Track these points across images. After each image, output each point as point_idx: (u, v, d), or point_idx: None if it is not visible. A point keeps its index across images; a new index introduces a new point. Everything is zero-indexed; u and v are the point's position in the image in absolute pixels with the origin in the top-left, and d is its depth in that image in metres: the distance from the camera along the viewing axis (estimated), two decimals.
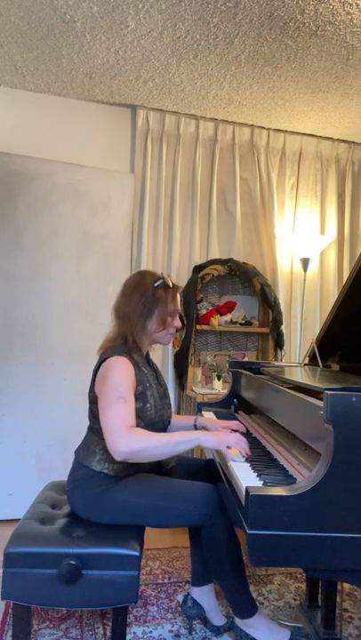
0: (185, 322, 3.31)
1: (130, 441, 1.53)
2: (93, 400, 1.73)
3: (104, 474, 1.69)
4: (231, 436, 1.63)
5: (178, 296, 1.84)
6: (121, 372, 1.64)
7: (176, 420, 2.02)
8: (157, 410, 1.76)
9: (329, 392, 1.19)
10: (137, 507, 1.66)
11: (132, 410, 1.62)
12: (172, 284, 1.82)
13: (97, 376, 1.72)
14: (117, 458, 1.55)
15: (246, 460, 1.56)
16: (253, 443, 1.80)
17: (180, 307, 1.88)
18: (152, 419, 1.71)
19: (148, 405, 1.71)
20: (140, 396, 1.70)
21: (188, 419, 2.04)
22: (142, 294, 1.75)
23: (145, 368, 1.79)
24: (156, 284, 1.77)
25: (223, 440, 1.61)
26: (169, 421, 1.89)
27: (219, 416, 2.25)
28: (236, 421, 1.96)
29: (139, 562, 1.58)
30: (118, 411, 1.58)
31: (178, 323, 1.84)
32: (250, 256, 3.64)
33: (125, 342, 1.74)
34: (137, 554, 1.58)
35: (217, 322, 3.38)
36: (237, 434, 1.65)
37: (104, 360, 1.70)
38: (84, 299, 3.14)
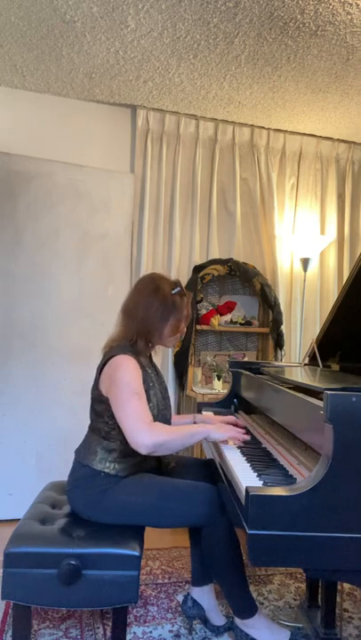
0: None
1: (153, 435, 1.58)
2: (97, 398, 1.74)
3: (105, 473, 1.70)
4: (231, 430, 1.74)
5: (189, 303, 1.89)
6: (129, 369, 1.67)
7: (175, 419, 2.04)
8: (160, 410, 1.78)
9: (329, 392, 1.19)
10: (137, 507, 1.66)
11: (146, 404, 1.66)
12: (186, 292, 1.86)
13: (102, 374, 1.73)
14: (142, 451, 1.59)
15: (246, 460, 1.57)
16: (253, 443, 1.81)
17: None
18: (155, 418, 1.72)
19: (152, 405, 1.73)
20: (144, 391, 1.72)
21: (188, 417, 2.09)
22: (162, 300, 1.77)
23: (149, 369, 1.82)
24: (173, 292, 1.79)
25: (226, 434, 1.72)
26: (169, 422, 1.90)
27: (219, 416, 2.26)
28: (232, 416, 2.07)
29: (139, 562, 1.58)
30: (135, 407, 1.61)
31: (185, 328, 1.89)
32: (250, 256, 3.64)
33: (134, 343, 1.76)
34: (137, 554, 1.58)
35: (217, 322, 3.38)
36: (236, 428, 1.78)
37: (110, 358, 1.71)
38: (84, 299, 3.14)
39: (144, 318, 1.76)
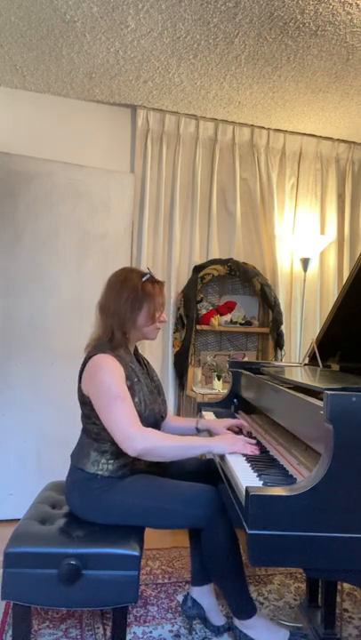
0: (184, 322, 3.31)
1: (144, 438, 1.58)
2: (82, 400, 1.74)
3: (100, 475, 1.70)
4: (239, 441, 1.67)
5: (164, 291, 1.86)
6: (109, 369, 1.65)
7: (177, 422, 2.03)
8: (147, 404, 1.75)
9: (329, 392, 1.19)
10: (136, 508, 1.66)
11: (133, 405, 1.65)
12: (158, 280, 1.84)
13: (83, 376, 1.73)
14: (132, 454, 1.59)
15: (246, 460, 1.57)
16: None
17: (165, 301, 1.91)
18: (141, 413, 1.70)
19: (137, 400, 1.71)
20: (128, 391, 1.70)
21: (190, 421, 2.05)
22: (132, 290, 1.76)
23: (132, 364, 1.79)
24: (143, 279, 1.78)
25: (233, 448, 1.64)
26: (162, 417, 1.89)
27: (218, 416, 2.26)
28: (238, 420, 2.00)
29: (139, 562, 1.58)
30: (121, 410, 1.60)
31: (165, 317, 1.86)
32: (250, 256, 3.64)
33: (112, 339, 1.74)
34: (137, 554, 1.58)
35: (217, 322, 3.38)
36: (244, 438, 1.69)
37: (88, 359, 1.71)
38: (84, 299, 3.13)
39: (116, 311, 1.74)
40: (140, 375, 1.79)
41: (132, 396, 1.70)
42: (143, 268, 1.90)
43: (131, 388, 1.70)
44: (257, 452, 1.63)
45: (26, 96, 3.24)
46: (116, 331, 1.74)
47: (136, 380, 1.75)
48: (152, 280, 1.80)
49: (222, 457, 1.66)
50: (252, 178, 3.63)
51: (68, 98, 3.32)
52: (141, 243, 3.34)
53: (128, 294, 1.75)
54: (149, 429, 1.63)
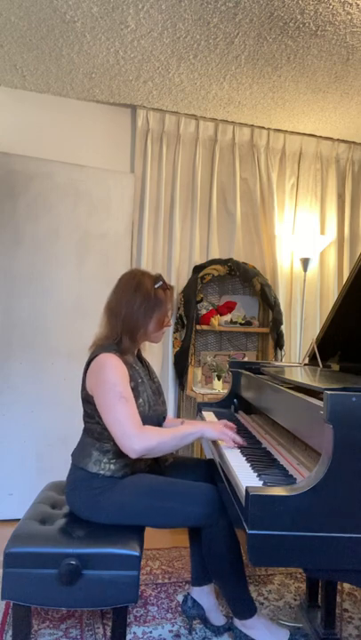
0: (184, 322, 3.31)
1: (144, 439, 1.58)
2: (86, 399, 1.74)
3: (101, 475, 1.70)
4: (226, 430, 1.73)
5: (173, 296, 1.87)
6: (114, 370, 1.65)
7: (168, 423, 2.02)
8: (151, 405, 1.76)
9: (329, 392, 1.19)
10: (136, 507, 1.66)
11: (135, 407, 1.65)
12: (168, 285, 1.84)
13: (88, 374, 1.73)
14: (133, 456, 1.59)
15: (246, 460, 1.57)
16: (253, 443, 1.81)
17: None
18: (145, 414, 1.71)
19: (141, 401, 1.72)
20: (132, 392, 1.70)
21: (175, 422, 2.04)
22: (145, 296, 1.75)
23: (136, 365, 1.79)
24: (156, 286, 1.78)
25: (221, 435, 1.71)
26: (164, 417, 1.89)
27: (219, 416, 2.26)
28: (225, 420, 1.99)
29: (139, 562, 1.58)
30: (123, 412, 1.60)
31: (170, 322, 1.87)
32: (250, 256, 3.64)
33: (119, 341, 1.74)
34: (137, 554, 1.58)
35: (217, 322, 3.38)
36: (231, 432, 1.75)
37: (94, 357, 1.71)
38: (84, 299, 3.14)
39: (127, 316, 1.74)
40: (143, 376, 1.79)
41: (137, 397, 1.70)
42: (149, 270, 1.88)
43: (135, 389, 1.71)
44: (243, 443, 1.71)
45: (26, 96, 3.25)
46: (124, 336, 1.74)
47: (140, 380, 1.76)
48: (164, 287, 1.80)
49: (222, 456, 1.66)
50: (252, 178, 3.63)
51: (68, 98, 3.32)
52: (141, 243, 3.34)
53: (141, 301, 1.74)
54: (147, 427, 1.64)
